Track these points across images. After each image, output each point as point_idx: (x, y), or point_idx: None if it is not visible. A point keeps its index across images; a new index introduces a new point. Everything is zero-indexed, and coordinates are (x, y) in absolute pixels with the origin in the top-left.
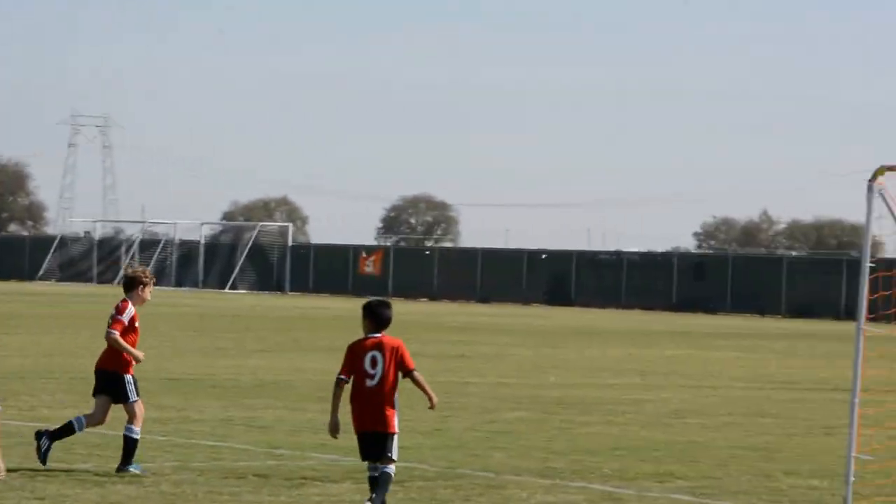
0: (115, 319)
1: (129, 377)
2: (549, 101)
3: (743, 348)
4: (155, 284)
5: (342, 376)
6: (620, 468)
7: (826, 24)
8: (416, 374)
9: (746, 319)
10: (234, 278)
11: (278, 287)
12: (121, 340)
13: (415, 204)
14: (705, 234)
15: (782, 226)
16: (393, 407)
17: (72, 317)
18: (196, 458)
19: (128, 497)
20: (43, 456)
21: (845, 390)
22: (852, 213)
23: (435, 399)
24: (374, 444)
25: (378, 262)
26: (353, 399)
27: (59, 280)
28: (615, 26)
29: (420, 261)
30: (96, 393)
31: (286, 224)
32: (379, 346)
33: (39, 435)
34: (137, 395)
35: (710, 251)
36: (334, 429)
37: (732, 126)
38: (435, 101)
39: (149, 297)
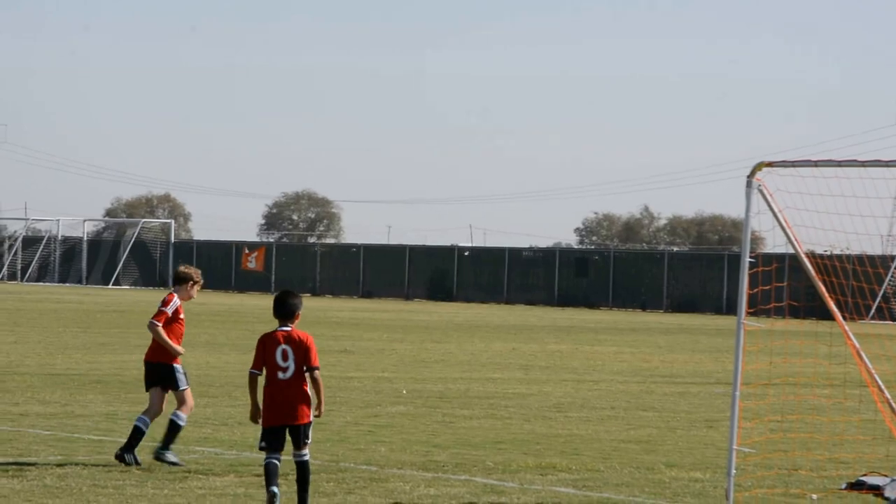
0: (159, 311)
1: (178, 366)
2: (435, 91)
3: (625, 343)
4: (38, 280)
5: (255, 370)
6: (503, 461)
7: (707, 8)
8: (316, 373)
9: (629, 314)
10: (118, 274)
11: (161, 283)
12: (162, 332)
13: (297, 200)
14: (587, 230)
15: (663, 221)
16: (307, 398)
17: None
18: (80, 451)
19: (12, 490)
20: (137, 462)
21: (727, 384)
22: (733, 208)
23: (323, 409)
24: (284, 436)
25: (261, 257)
26: (266, 392)
27: None
28: (489, 13)
29: (303, 256)
30: (148, 386)
31: (168, 220)
32: (288, 338)
33: (121, 457)
34: (187, 383)
35: (592, 247)
36: (255, 415)
37: (614, 120)
38: (317, 91)
39: (195, 296)
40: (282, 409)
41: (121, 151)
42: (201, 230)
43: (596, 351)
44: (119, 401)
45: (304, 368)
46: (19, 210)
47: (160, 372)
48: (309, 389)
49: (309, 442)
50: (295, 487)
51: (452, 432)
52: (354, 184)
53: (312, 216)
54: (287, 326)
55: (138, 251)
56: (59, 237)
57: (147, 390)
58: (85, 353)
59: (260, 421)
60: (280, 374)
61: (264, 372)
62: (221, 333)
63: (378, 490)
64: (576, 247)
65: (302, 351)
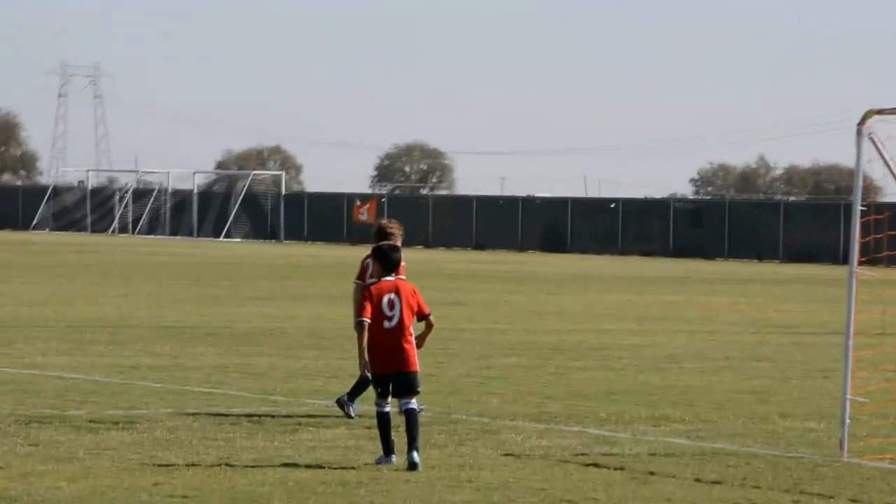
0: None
1: None
2: (546, 45)
3: (740, 293)
4: (148, 233)
5: (365, 318)
6: (616, 412)
7: None
8: (431, 318)
9: (744, 265)
10: (229, 227)
11: (273, 235)
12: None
13: (409, 152)
14: (702, 181)
15: (780, 171)
16: (412, 345)
17: (65, 266)
18: (190, 404)
19: (122, 443)
20: (350, 411)
21: (842, 334)
22: (850, 158)
23: (423, 343)
24: (394, 383)
25: (372, 209)
26: (372, 341)
27: (53, 229)
28: None
29: (415, 208)
30: None
31: (279, 172)
32: (395, 288)
33: (342, 402)
34: None
35: (708, 197)
36: (367, 366)
37: (730, 70)
38: (428, 45)
39: None
40: (393, 356)
41: (232, 103)
42: (312, 182)
43: (711, 302)
44: (230, 353)
45: (417, 318)
46: (129, 163)
47: None
48: (412, 338)
49: (419, 390)
50: (405, 438)
51: (565, 384)
52: (467, 135)
53: (424, 168)
54: (390, 276)
55: (249, 204)
56: (170, 190)
57: None
58: (196, 305)
59: (370, 373)
60: (386, 324)
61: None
62: (333, 286)
63: (490, 441)
64: (691, 197)
65: (411, 300)
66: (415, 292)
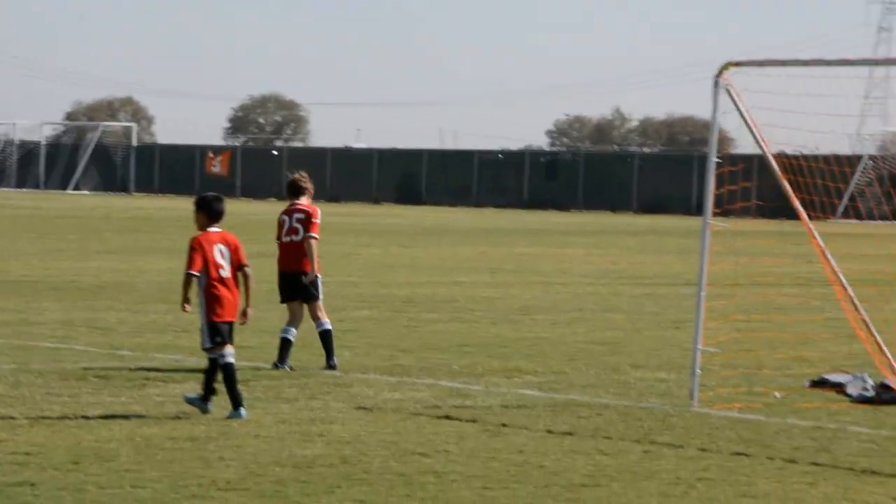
0: (315, 224)
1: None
2: None
3: (594, 245)
4: None
5: (194, 272)
6: (468, 364)
7: None
8: (247, 269)
9: (598, 216)
10: (77, 179)
11: (123, 188)
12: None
13: (263, 103)
14: (558, 132)
15: (635, 123)
16: (237, 297)
17: None
18: (35, 359)
19: None
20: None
21: (695, 284)
22: (704, 110)
23: (250, 311)
24: (230, 332)
25: (225, 162)
26: (209, 290)
27: None
28: None
29: (268, 161)
30: (285, 299)
31: (130, 124)
32: (224, 239)
33: (276, 366)
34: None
35: (563, 149)
36: (185, 303)
37: (586, 21)
38: None
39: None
40: (230, 304)
41: (82, 53)
42: (165, 134)
43: (565, 253)
44: (76, 308)
45: (237, 268)
46: None
47: (298, 282)
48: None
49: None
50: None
51: (418, 336)
52: (323, 87)
53: (279, 119)
54: (217, 228)
55: (99, 156)
56: (17, 141)
57: (284, 302)
58: (41, 259)
59: (188, 308)
60: (221, 272)
61: (204, 273)
62: (184, 239)
63: (341, 395)
64: (546, 149)
65: (236, 251)
66: (237, 243)
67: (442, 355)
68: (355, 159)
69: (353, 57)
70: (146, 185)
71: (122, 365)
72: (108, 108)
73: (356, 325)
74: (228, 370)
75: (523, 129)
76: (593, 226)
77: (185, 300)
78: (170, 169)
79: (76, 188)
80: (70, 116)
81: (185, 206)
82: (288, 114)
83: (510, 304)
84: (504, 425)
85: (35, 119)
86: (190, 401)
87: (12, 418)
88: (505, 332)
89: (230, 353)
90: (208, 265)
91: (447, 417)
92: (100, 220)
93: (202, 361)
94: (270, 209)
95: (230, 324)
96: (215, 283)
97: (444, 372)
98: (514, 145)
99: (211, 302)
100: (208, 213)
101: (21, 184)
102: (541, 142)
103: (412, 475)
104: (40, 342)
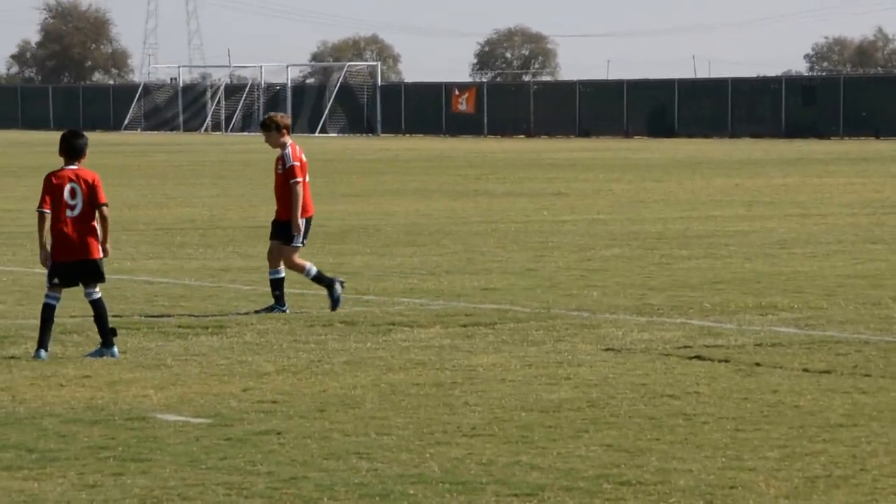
0: (294, 168)
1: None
2: None
3: (856, 173)
4: (242, 130)
5: (44, 209)
6: (721, 302)
7: None
8: (105, 209)
9: (861, 143)
10: (324, 121)
11: (369, 129)
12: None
13: (510, 37)
14: (817, 57)
15: None
16: (95, 235)
17: (156, 167)
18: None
19: (211, 348)
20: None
21: None
22: None
23: (109, 247)
24: (79, 271)
25: (472, 99)
26: (54, 229)
27: (145, 129)
28: None
29: (516, 96)
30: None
31: (374, 63)
32: (76, 177)
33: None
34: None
35: (823, 73)
36: (45, 259)
37: None
38: None
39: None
40: (77, 244)
41: None
42: (410, 72)
43: (824, 183)
44: (323, 252)
45: (95, 206)
46: (222, 57)
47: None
48: (95, 226)
49: (103, 280)
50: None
51: (669, 274)
52: (571, 18)
53: (526, 53)
54: (74, 165)
55: (345, 96)
56: (263, 85)
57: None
58: None
59: (48, 265)
60: (69, 212)
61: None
62: (432, 179)
63: (589, 336)
64: (805, 74)
65: (90, 189)
66: (95, 180)
67: (693, 293)
68: (605, 92)
69: None
70: (393, 126)
71: (367, 310)
72: (354, 48)
73: (605, 263)
74: (47, 311)
75: (780, 55)
76: (855, 153)
77: (41, 246)
78: (416, 108)
79: (323, 131)
80: (315, 58)
81: (431, 146)
82: (535, 47)
83: (766, 238)
84: (757, 364)
85: (280, 62)
86: (34, 357)
87: (259, 367)
88: (760, 267)
89: (58, 297)
90: (56, 205)
91: (698, 357)
92: (346, 163)
93: (449, 305)
94: (519, 146)
95: (77, 263)
96: (61, 223)
97: (695, 310)
98: (771, 72)
99: (53, 241)
100: (65, 149)
101: None
102: (799, 67)
103: (661, 418)
104: (286, 288)
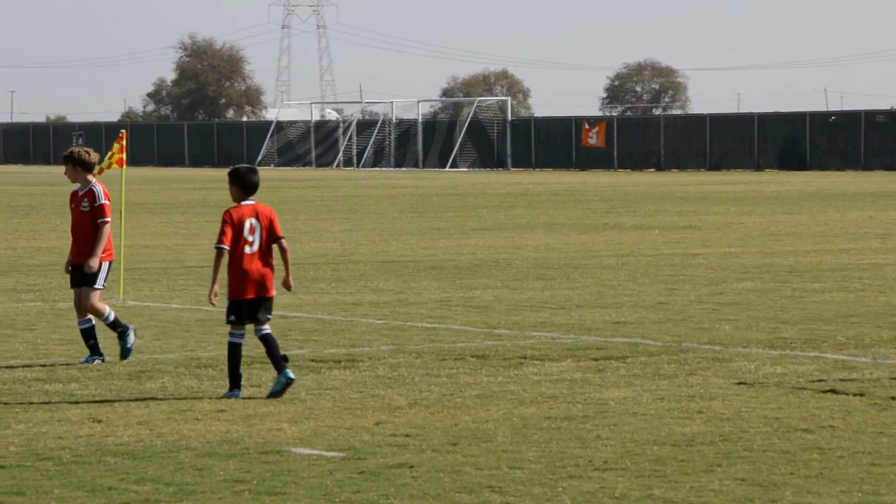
0: (104, 206)
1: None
2: None
3: None
4: (373, 165)
5: (223, 245)
6: (855, 335)
7: None
8: (283, 241)
9: None
10: (455, 156)
11: (500, 163)
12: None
13: (640, 71)
14: None
15: None
16: (272, 272)
17: (289, 202)
18: (413, 340)
19: (343, 382)
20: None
21: None
22: None
23: (291, 281)
24: (255, 309)
25: (602, 133)
26: (233, 267)
27: (277, 165)
28: None
29: (646, 130)
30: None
31: (505, 98)
32: (255, 212)
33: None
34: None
35: None
36: (215, 296)
37: None
38: None
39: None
40: (255, 282)
41: (457, 28)
42: (540, 107)
43: None
44: (454, 287)
45: (272, 240)
46: (354, 94)
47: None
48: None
49: (270, 317)
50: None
51: (802, 307)
52: (701, 51)
53: (656, 87)
54: (251, 201)
55: (475, 131)
56: (394, 120)
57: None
58: (419, 238)
59: (215, 303)
60: (247, 249)
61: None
62: (562, 213)
63: (721, 370)
64: None
65: (269, 224)
66: (272, 215)
67: (827, 326)
68: (736, 125)
69: (729, 19)
70: (523, 160)
71: (498, 344)
72: (484, 83)
73: (737, 297)
74: (235, 351)
75: None
76: None
77: (214, 281)
78: (546, 142)
79: (453, 165)
80: (446, 93)
81: (561, 179)
82: (665, 81)
83: None
84: (893, 398)
85: (411, 97)
86: (225, 396)
87: (391, 401)
88: (895, 301)
89: (242, 334)
90: (235, 241)
91: (832, 391)
92: (477, 197)
93: (580, 339)
94: (649, 180)
95: (255, 301)
96: (239, 259)
97: (828, 344)
98: None
99: (231, 279)
100: (241, 185)
101: (399, 163)
102: None
103: (795, 452)
104: (418, 322)
